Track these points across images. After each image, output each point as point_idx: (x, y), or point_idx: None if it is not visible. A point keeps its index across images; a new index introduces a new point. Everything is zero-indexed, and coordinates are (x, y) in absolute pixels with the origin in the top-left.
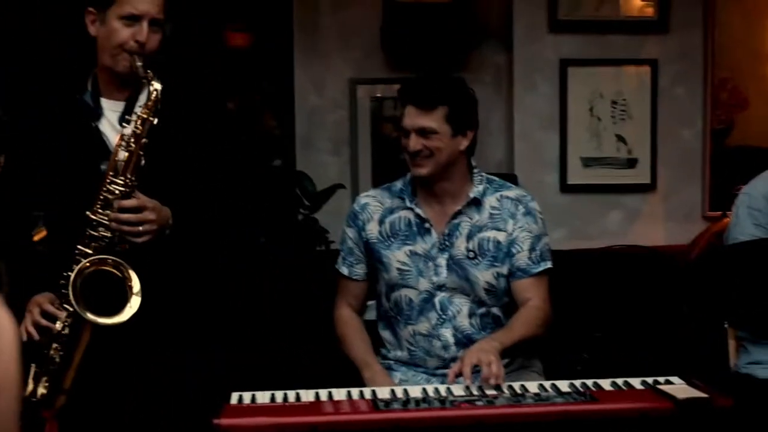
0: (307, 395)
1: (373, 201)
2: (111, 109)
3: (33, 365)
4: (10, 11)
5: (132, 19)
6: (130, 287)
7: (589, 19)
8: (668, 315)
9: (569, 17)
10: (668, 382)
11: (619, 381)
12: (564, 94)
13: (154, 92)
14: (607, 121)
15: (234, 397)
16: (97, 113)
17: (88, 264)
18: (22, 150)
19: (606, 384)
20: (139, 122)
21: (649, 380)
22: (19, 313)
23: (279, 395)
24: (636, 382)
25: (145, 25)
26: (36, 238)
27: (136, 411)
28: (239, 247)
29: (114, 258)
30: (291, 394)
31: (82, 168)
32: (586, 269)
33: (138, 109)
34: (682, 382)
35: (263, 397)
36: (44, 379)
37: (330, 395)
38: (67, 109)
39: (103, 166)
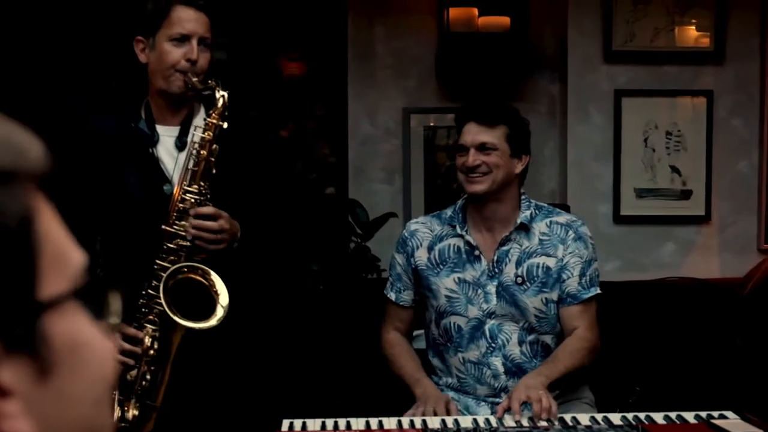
0: (358, 423)
1: (422, 228)
2: (166, 134)
3: (115, 392)
4: (63, 47)
5: (181, 40)
6: (216, 292)
7: (644, 50)
8: (722, 348)
9: (624, 48)
10: (722, 417)
11: (672, 415)
12: (618, 125)
13: (221, 98)
14: (661, 152)
15: (285, 425)
16: (154, 139)
17: (185, 269)
18: (83, 180)
19: (659, 417)
20: (209, 128)
21: (703, 414)
22: None
23: (330, 423)
24: (689, 416)
25: (194, 43)
26: None
27: None
28: (292, 274)
29: (201, 266)
30: (341, 422)
31: (145, 194)
32: (639, 301)
33: (206, 116)
34: (737, 417)
35: (314, 424)
36: (133, 401)
37: (380, 424)
38: (124, 137)
39: (166, 187)
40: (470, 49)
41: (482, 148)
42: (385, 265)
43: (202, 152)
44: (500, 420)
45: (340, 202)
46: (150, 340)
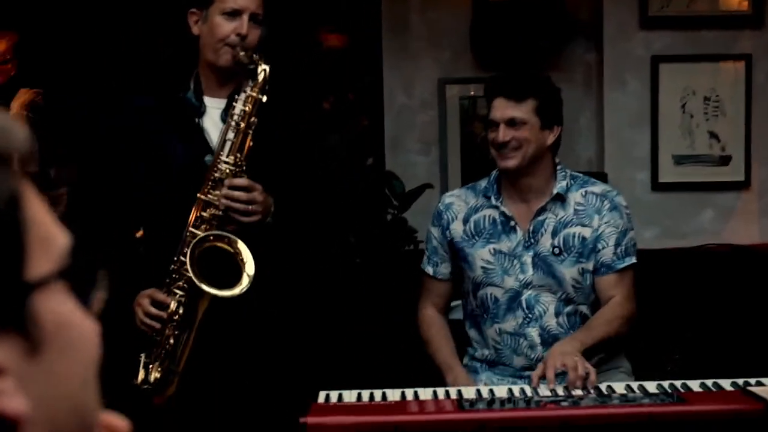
0: (394, 394)
1: (457, 200)
2: (213, 106)
3: (142, 355)
4: (113, 19)
5: (233, 14)
6: (242, 261)
7: (680, 15)
8: (764, 314)
9: (660, 13)
10: (759, 384)
11: (709, 382)
12: (655, 91)
13: (262, 72)
14: (699, 118)
15: (321, 396)
16: (201, 110)
17: (211, 237)
18: (128, 150)
19: (695, 385)
20: (249, 101)
21: (740, 381)
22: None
23: (365, 394)
24: (726, 384)
25: (245, 18)
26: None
27: (226, 406)
28: (330, 246)
29: (228, 234)
30: (377, 393)
31: (187, 163)
32: (678, 268)
33: (247, 89)
34: None
35: (350, 396)
36: (157, 364)
37: (416, 394)
38: (172, 107)
39: (207, 157)
40: (505, 18)
41: (512, 123)
42: (422, 237)
43: (241, 124)
44: (535, 389)
45: (376, 174)
46: (175, 305)
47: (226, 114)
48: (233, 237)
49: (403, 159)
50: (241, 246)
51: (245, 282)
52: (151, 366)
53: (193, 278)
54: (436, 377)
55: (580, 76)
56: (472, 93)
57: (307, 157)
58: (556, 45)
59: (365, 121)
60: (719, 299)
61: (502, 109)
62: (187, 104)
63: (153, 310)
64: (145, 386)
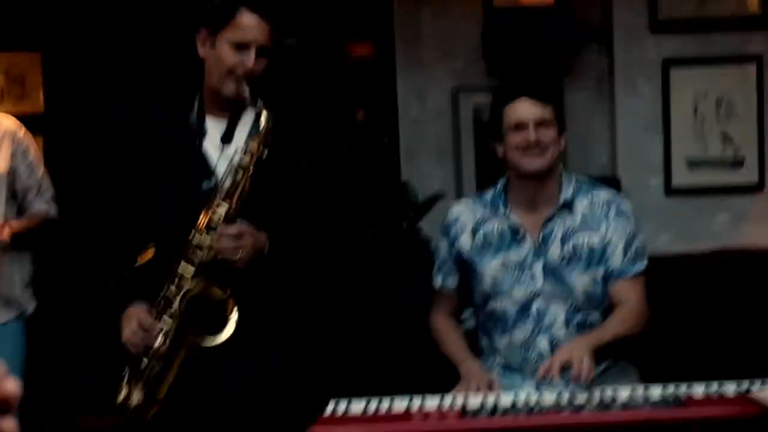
0: (401, 403)
1: (465, 211)
2: (214, 127)
3: (126, 369)
4: (122, 33)
5: (241, 47)
6: (229, 313)
7: (691, 18)
8: None
9: (670, 16)
10: (763, 387)
11: (712, 386)
12: (667, 95)
13: (265, 123)
14: (711, 120)
15: (331, 405)
16: (202, 132)
17: (199, 285)
18: (130, 170)
19: (698, 389)
20: (249, 153)
21: (744, 384)
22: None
23: (373, 403)
24: (729, 388)
25: (253, 52)
26: (145, 257)
27: (231, 420)
28: (344, 257)
29: (219, 287)
30: (385, 402)
31: (185, 186)
32: (693, 273)
33: (248, 141)
34: None
35: (358, 405)
36: (140, 385)
37: (422, 404)
38: (174, 128)
39: (204, 185)
40: (516, 25)
41: (541, 123)
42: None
43: (239, 174)
44: (539, 397)
45: (392, 184)
46: (162, 338)
47: (226, 137)
48: (224, 291)
49: (418, 169)
50: (231, 299)
51: (226, 334)
52: (132, 386)
53: (179, 324)
54: (448, 385)
55: (592, 82)
56: (487, 101)
57: (313, 181)
58: (567, 51)
59: (385, 138)
60: (735, 303)
61: (529, 109)
62: (189, 125)
63: (139, 332)
64: (126, 408)
